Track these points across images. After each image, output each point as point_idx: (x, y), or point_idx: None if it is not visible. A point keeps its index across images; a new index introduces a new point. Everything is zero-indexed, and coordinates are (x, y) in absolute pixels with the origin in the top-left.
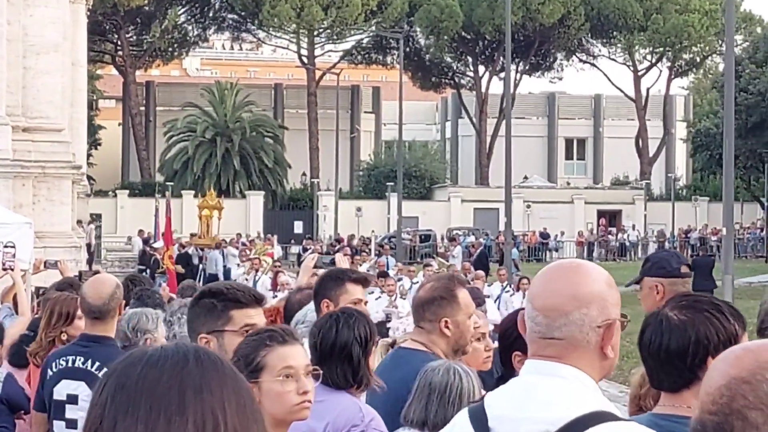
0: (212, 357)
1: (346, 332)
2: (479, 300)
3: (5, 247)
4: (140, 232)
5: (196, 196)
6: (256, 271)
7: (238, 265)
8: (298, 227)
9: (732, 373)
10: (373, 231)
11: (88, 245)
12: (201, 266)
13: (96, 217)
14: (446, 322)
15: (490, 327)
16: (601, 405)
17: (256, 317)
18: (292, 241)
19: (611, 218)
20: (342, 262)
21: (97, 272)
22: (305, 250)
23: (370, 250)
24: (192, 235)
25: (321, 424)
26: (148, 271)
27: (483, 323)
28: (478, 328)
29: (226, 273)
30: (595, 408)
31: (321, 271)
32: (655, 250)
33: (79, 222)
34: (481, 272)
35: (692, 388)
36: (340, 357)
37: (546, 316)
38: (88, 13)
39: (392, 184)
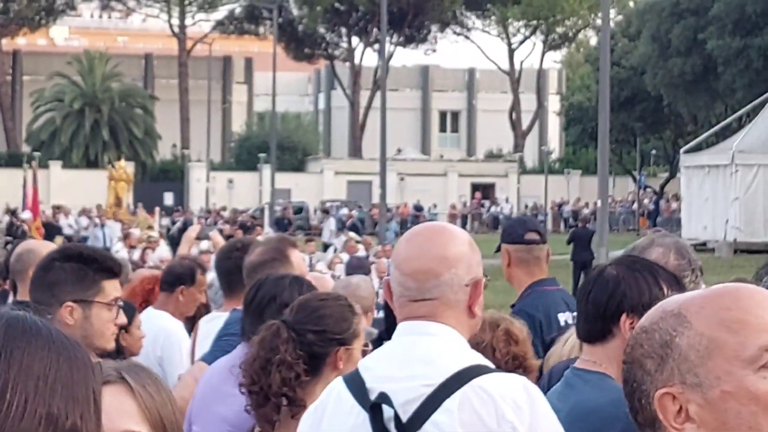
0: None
1: None
2: (365, 269)
3: None
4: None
5: (64, 167)
6: (132, 248)
7: (120, 238)
8: (168, 199)
9: (640, 323)
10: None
11: None
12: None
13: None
14: None
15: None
16: (479, 359)
17: (119, 290)
18: (163, 213)
19: (485, 191)
20: (217, 237)
21: None
22: (174, 222)
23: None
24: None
25: None
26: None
27: (368, 295)
28: None
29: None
30: (474, 362)
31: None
32: None
33: None
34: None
35: (606, 344)
36: None
37: (417, 280)
38: None
39: (264, 155)
